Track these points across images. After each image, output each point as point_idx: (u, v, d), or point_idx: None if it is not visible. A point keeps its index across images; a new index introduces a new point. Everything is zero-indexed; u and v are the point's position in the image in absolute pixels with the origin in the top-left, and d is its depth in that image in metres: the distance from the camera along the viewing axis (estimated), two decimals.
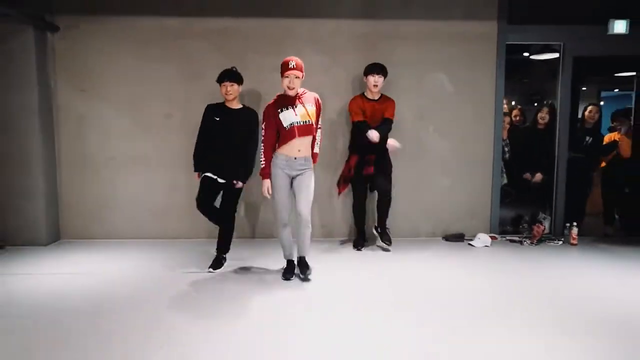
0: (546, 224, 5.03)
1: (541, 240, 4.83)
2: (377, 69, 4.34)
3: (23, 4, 4.27)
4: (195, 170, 3.91)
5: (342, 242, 4.81)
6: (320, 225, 4.93)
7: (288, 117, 3.43)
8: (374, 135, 4.16)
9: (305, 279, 3.61)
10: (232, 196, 3.88)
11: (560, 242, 4.81)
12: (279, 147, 3.50)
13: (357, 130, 4.35)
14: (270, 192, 3.52)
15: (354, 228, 4.74)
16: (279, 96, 3.52)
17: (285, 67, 3.42)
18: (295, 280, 3.65)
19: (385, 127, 4.32)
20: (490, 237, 4.83)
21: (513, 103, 6.46)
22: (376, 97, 4.41)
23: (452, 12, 4.82)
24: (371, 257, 4.32)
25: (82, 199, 4.85)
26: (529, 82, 7.11)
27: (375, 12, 4.78)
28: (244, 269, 3.92)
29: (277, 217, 3.58)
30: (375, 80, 4.32)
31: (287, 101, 3.47)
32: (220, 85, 3.83)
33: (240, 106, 3.94)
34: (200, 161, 3.87)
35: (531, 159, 5.20)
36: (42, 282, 3.58)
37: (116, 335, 2.69)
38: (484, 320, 2.92)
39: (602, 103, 9.02)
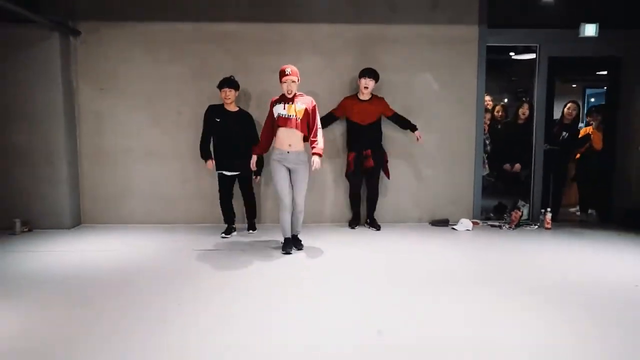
0: (525, 210, 5.48)
1: (519, 225, 5.29)
2: (368, 72, 4.89)
3: (49, 11, 4.77)
4: (203, 158, 4.77)
5: (337, 225, 5.29)
6: (319, 211, 5.40)
7: (278, 109, 4.09)
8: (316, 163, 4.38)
9: (299, 248, 4.31)
10: (245, 182, 4.84)
11: (536, 227, 5.27)
12: (275, 140, 4.16)
13: (325, 119, 4.94)
14: (254, 166, 4.33)
15: (350, 210, 5.33)
16: (282, 95, 4.14)
17: (282, 74, 4.04)
18: (294, 254, 4.16)
19: (405, 120, 5.09)
20: (473, 222, 5.29)
21: (489, 99, 6.91)
22: (367, 98, 4.94)
23: (436, 17, 5.28)
24: (363, 237, 4.80)
25: (101, 187, 5.33)
26: (512, 80, 7.59)
27: (366, 17, 5.25)
28: (249, 245, 4.41)
29: (279, 203, 4.17)
30: (365, 82, 4.86)
31: (285, 99, 4.11)
32: (220, 91, 4.63)
33: (237, 109, 4.75)
34: (206, 152, 4.73)
35: (511, 151, 5.65)
36: (71, 258, 4.06)
37: (137, 304, 3.17)
38: (463, 288, 3.35)
39: (592, 100, 9.49)
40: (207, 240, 4.64)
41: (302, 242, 4.37)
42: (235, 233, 4.87)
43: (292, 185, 4.13)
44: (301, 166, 4.09)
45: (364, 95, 4.93)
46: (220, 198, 4.81)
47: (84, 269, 3.73)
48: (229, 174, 4.69)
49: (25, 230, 4.93)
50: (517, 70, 7.08)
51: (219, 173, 4.73)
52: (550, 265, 3.88)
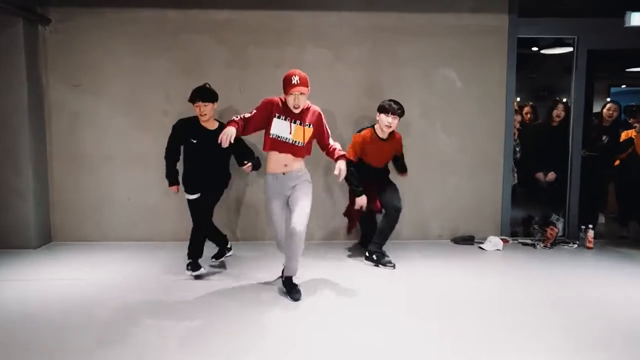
0: (559, 225, 4.81)
1: (555, 243, 4.62)
2: (395, 110, 3.82)
3: None
4: (167, 178, 3.76)
5: (349, 249, 4.60)
6: (322, 227, 4.72)
7: (281, 128, 3.08)
8: (361, 201, 3.88)
9: (295, 298, 3.13)
10: (208, 203, 3.70)
11: (575, 246, 4.59)
12: (267, 163, 3.20)
13: (350, 166, 3.74)
14: (229, 138, 2.88)
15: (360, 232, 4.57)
16: (284, 105, 3.11)
17: (288, 84, 3.01)
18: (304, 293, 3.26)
19: (403, 164, 4.32)
20: (502, 239, 4.61)
21: (518, 100, 6.25)
22: (386, 137, 3.96)
23: (460, 4, 4.62)
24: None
25: (76, 199, 4.65)
26: (537, 78, 6.92)
27: (380, 4, 4.58)
28: (240, 276, 3.72)
29: (274, 234, 3.36)
30: (389, 121, 3.83)
31: (289, 114, 3.10)
32: (193, 105, 3.58)
33: (217, 124, 3.67)
34: (173, 172, 3.74)
35: (544, 158, 4.98)
36: (30, 291, 3.35)
37: (105, 350, 2.48)
38: (495, 330, 2.71)
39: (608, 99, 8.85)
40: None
41: (299, 292, 3.17)
42: (231, 253, 4.12)
43: (290, 208, 3.16)
44: (302, 182, 3.18)
45: (384, 133, 3.93)
46: (203, 229, 3.73)
47: (43, 309, 3.04)
48: (191, 197, 3.71)
49: None
50: (542, 65, 6.41)
51: (190, 200, 3.74)
52: (608, 303, 3.19)
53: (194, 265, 3.60)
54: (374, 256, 3.93)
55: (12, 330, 2.68)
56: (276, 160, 3.13)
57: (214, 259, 3.95)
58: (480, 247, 4.55)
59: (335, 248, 4.49)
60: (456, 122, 4.73)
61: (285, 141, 3.07)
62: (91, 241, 4.63)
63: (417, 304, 3.12)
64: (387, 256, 3.91)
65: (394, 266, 3.84)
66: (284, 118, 3.08)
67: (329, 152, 3.24)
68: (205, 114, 3.56)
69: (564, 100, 4.97)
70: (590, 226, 4.54)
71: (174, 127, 3.69)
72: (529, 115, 5.33)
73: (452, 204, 4.81)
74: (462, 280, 3.62)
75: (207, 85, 3.65)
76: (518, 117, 5.05)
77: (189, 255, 3.64)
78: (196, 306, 3.05)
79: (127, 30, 4.53)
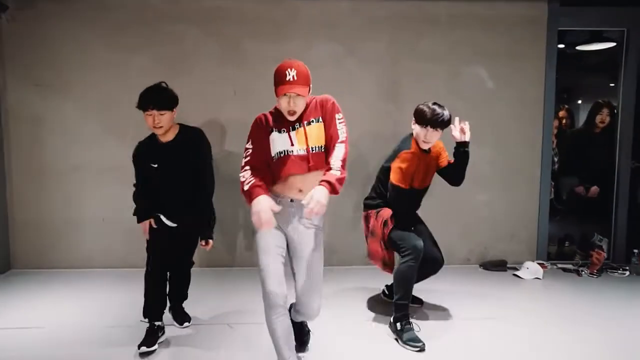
0: (604, 247, 4.17)
1: (602, 269, 3.97)
2: (434, 121, 2.69)
3: None
4: (136, 214, 2.74)
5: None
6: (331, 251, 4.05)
7: (278, 142, 2.15)
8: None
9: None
10: (186, 243, 2.83)
11: (627, 273, 3.94)
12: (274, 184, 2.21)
13: (397, 198, 2.82)
14: (272, 212, 1.99)
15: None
16: (276, 110, 2.20)
17: (281, 80, 2.08)
18: None
19: (461, 169, 2.96)
20: (539, 264, 3.96)
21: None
22: (427, 148, 2.85)
23: None
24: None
25: (40, 219, 3.96)
26: (573, 78, 6.23)
27: None
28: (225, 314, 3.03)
29: (264, 298, 2.10)
30: (426, 137, 2.74)
31: (284, 122, 2.16)
32: (144, 114, 2.58)
33: (174, 135, 2.66)
34: (144, 208, 2.73)
35: (585, 169, 4.33)
36: None
37: None
38: None
39: None
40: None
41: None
42: (162, 336, 2.70)
43: (292, 269, 2.24)
44: (312, 230, 2.20)
45: (426, 144, 2.81)
46: (149, 271, 2.68)
47: None
48: (169, 223, 2.68)
49: None
50: (579, 64, 5.72)
51: (153, 223, 2.69)
52: None
53: (150, 339, 2.56)
54: (398, 325, 2.72)
55: None
56: (287, 183, 2.17)
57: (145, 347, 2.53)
58: (516, 275, 3.90)
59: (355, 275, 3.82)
60: (486, 128, 4.06)
61: (289, 154, 2.12)
62: (58, 268, 3.94)
63: (442, 345, 2.47)
64: (413, 327, 2.72)
65: (421, 348, 2.59)
66: (280, 131, 2.15)
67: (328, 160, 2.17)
68: (162, 127, 2.57)
69: (607, 102, 4.29)
70: None
71: (134, 156, 2.74)
72: (565, 121, 4.68)
73: (482, 223, 4.16)
74: (498, 320, 2.98)
75: (163, 85, 2.66)
76: (555, 123, 4.40)
77: (151, 315, 2.65)
78: None
79: (100, 19, 3.84)
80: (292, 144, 2.13)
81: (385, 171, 2.84)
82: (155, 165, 2.65)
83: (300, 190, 2.13)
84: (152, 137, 2.71)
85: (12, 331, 2.81)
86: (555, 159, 4.34)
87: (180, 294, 2.94)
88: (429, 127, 2.72)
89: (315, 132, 2.14)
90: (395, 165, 2.75)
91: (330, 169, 2.05)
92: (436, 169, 2.96)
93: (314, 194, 1.92)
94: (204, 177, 2.71)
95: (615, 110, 4.24)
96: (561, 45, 5.52)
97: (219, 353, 2.56)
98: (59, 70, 3.86)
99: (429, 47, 3.99)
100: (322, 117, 2.16)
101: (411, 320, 2.74)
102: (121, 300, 3.28)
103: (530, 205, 4.18)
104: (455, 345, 2.66)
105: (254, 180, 2.06)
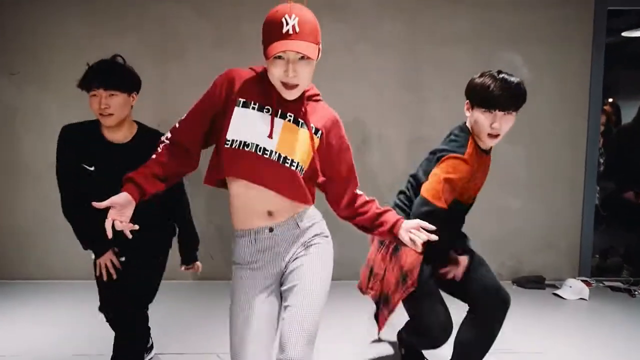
0: None
1: None
2: (506, 100, 1.80)
3: None
4: (99, 252, 2.00)
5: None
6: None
7: (249, 126, 1.39)
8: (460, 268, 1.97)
9: None
10: (138, 269, 2.01)
11: None
12: (231, 209, 1.48)
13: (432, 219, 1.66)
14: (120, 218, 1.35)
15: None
16: (258, 75, 1.47)
17: (274, 34, 1.35)
18: None
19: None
20: (583, 281, 3.41)
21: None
22: (488, 147, 1.97)
23: None
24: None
25: (15, 221, 3.58)
26: (615, 70, 5.66)
27: None
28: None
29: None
30: (496, 127, 1.82)
31: (273, 99, 1.42)
32: (89, 96, 1.89)
33: (133, 134, 1.99)
34: (95, 233, 1.79)
35: (635, 171, 3.77)
36: None
37: None
38: None
39: None
40: (169, 318, 2.78)
41: None
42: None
43: (282, 300, 1.50)
44: (313, 247, 1.49)
45: (494, 139, 1.88)
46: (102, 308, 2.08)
47: None
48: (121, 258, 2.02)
49: None
50: (627, 53, 5.13)
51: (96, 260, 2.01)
52: None
53: None
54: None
55: None
56: (246, 204, 1.43)
57: None
58: (556, 294, 3.36)
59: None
60: (522, 125, 3.48)
61: (258, 155, 1.36)
62: (36, 279, 3.55)
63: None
64: None
65: None
66: (256, 107, 1.40)
67: (356, 206, 1.55)
68: (111, 114, 1.86)
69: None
70: None
71: (62, 142, 1.95)
72: (612, 117, 4.12)
73: (516, 234, 3.64)
74: (534, 349, 2.45)
75: (119, 59, 1.98)
76: (602, 119, 3.85)
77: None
78: None
79: (85, 2, 3.46)
80: (270, 136, 1.38)
81: (417, 181, 1.96)
82: (92, 169, 1.92)
83: (270, 213, 1.42)
84: (93, 130, 1.95)
85: None
86: (601, 160, 3.80)
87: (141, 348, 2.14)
88: (497, 111, 1.81)
89: (304, 147, 1.42)
90: (439, 174, 1.81)
91: (374, 201, 1.56)
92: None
93: (413, 229, 1.46)
94: (179, 196, 2.09)
95: None
96: None
97: None
98: (36, 57, 3.48)
99: (449, 28, 3.52)
100: (322, 131, 1.46)
101: None
102: (97, 320, 2.84)
103: (572, 212, 3.65)
104: None
105: (145, 165, 1.41)
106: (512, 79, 1.81)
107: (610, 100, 4.36)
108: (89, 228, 1.97)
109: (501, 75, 1.82)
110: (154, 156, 1.43)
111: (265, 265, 1.46)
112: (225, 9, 3.50)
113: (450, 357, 2.02)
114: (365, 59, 3.52)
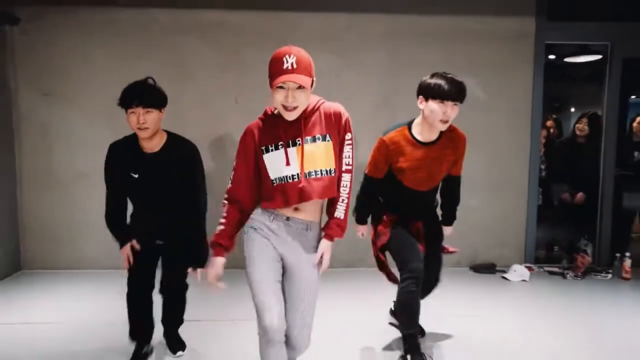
0: (588, 251, 4.35)
1: (586, 272, 4.15)
2: (452, 92, 2.22)
3: None
4: (116, 237, 2.40)
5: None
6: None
7: (276, 164, 1.78)
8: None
9: None
10: (174, 263, 2.47)
11: (609, 276, 4.12)
12: (262, 202, 1.86)
13: (366, 188, 2.56)
14: (219, 279, 1.83)
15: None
16: (266, 117, 1.85)
17: (277, 70, 1.72)
18: None
19: (453, 198, 2.72)
20: (527, 267, 4.14)
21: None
22: (434, 137, 2.40)
23: (482, 7, 4.15)
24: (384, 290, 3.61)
25: (48, 222, 4.13)
26: (553, 89, 6.44)
27: (394, 6, 4.10)
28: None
29: (259, 324, 1.79)
30: (446, 113, 2.24)
31: (278, 131, 1.80)
32: (126, 113, 2.28)
33: (162, 144, 2.35)
34: (122, 227, 2.40)
35: (570, 177, 4.52)
36: None
37: None
38: None
39: None
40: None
41: None
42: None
43: (284, 292, 1.86)
44: (311, 253, 1.87)
45: (433, 133, 2.37)
46: (131, 291, 2.45)
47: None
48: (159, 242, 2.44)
49: None
50: (566, 76, 5.92)
51: (135, 244, 2.38)
52: None
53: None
54: (409, 358, 2.43)
55: None
56: (283, 197, 1.81)
57: None
58: (504, 277, 4.08)
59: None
60: (478, 137, 4.20)
61: (292, 182, 1.76)
62: (66, 269, 4.10)
63: (432, 344, 2.64)
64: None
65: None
66: (273, 148, 1.79)
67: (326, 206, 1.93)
68: (147, 128, 2.23)
69: (589, 112, 4.48)
70: (627, 254, 4.07)
71: (109, 159, 2.37)
72: (552, 130, 4.87)
73: (472, 228, 4.30)
74: (484, 317, 3.17)
75: (150, 81, 2.34)
76: (543, 132, 4.59)
77: (135, 337, 2.48)
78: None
79: (105, 30, 4.00)
80: (289, 165, 1.76)
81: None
82: (136, 176, 2.30)
83: (297, 209, 1.82)
84: (133, 143, 2.34)
85: (21, 326, 2.99)
86: (542, 167, 4.52)
87: (173, 319, 2.64)
88: (445, 101, 2.22)
89: (319, 152, 1.78)
90: (371, 153, 2.47)
91: (334, 210, 1.86)
92: (445, 175, 2.51)
93: (324, 256, 1.84)
94: (198, 197, 2.41)
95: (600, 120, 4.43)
96: (552, 56, 5.74)
97: (223, 349, 2.72)
98: (65, 79, 4.02)
99: (422, 59, 4.12)
100: (331, 135, 1.81)
101: (423, 352, 2.45)
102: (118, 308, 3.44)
103: (519, 211, 4.35)
104: (443, 338, 2.85)
105: (222, 229, 1.83)
106: (457, 78, 2.27)
107: (555, 116, 5.11)
108: (120, 224, 2.40)
109: (449, 75, 2.27)
110: (223, 219, 1.83)
111: (276, 241, 1.83)
112: (228, 40, 4.06)
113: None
114: (351, 84, 4.11)
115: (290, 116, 1.75)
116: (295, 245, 1.85)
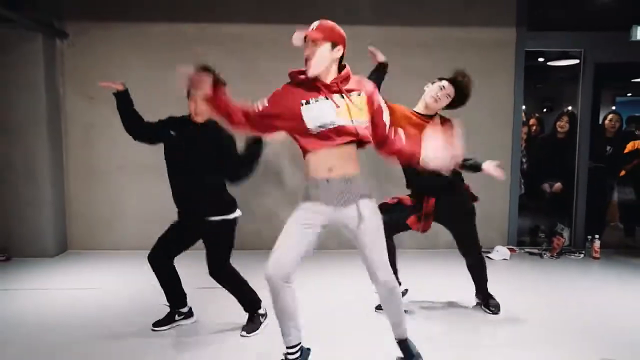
0: (565, 235, 4.89)
1: (561, 252, 4.69)
2: (458, 81, 2.73)
3: (32, 10, 4.18)
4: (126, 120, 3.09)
5: None
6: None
7: (321, 113, 2.02)
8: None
9: None
10: (216, 241, 2.79)
11: (582, 256, 4.66)
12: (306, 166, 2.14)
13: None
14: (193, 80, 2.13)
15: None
16: (299, 79, 2.12)
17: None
18: None
19: None
20: (509, 249, 4.69)
21: (524, 110, 6.33)
22: (431, 113, 2.83)
23: (468, 18, 4.71)
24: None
25: (91, 208, 4.75)
26: (543, 89, 6.99)
27: (389, 18, 4.67)
28: None
29: (270, 262, 2.06)
30: (438, 92, 2.73)
31: (317, 88, 2.07)
32: (188, 100, 2.78)
33: (206, 119, 2.77)
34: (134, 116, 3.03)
35: (549, 169, 5.05)
36: (48, 299, 3.47)
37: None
38: (503, 338, 2.79)
39: (613, 108, 8.91)
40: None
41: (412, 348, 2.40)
42: (185, 321, 3.00)
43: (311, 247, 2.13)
44: (361, 202, 2.11)
45: (429, 109, 2.82)
46: (150, 252, 2.90)
47: (61, 317, 3.14)
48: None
49: (2, 259, 4.33)
50: (548, 77, 6.49)
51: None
52: (613, 313, 3.26)
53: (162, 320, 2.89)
54: (480, 296, 3.23)
55: (29, 342, 2.76)
56: (316, 159, 2.07)
57: (154, 327, 2.89)
58: (488, 257, 4.61)
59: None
60: (465, 134, 4.79)
61: (341, 126, 2.02)
62: (105, 249, 4.72)
63: (419, 314, 3.20)
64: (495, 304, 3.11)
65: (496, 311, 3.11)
66: (315, 100, 2.05)
67: (389, 144, 2.18)
68: (203, 112, 2.71)
69: (568, 110, 5.03)
70: (597, 236, 4.61)
71: (161, 121, 2.95)
72: (534, 128, 5.41)
73: None
74: (468, 291, 3.69)
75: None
76: (525, 129, 5.13)
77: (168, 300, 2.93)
78: (213, 321, 3.11)
79: (139, 42, 4.62)
80: (336, 112, 2.02)
81: None
82: (174, 133, 2.73)
83: (330, 169, 2.04)
84: (184, 117, 2.82)
85: (72, 291, 3.62)
86: (524, 160, 5.06)
87: (241, 303, 2.90)
88: (444, 82, 2.71)
89: (361, 103, 2.07)
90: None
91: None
92: None
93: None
94: (236, 160, 2.72)
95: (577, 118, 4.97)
96: (541, 59, 6.29)
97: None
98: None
99: (413, 65, 4.63)
100: (370, 98, 2.11)
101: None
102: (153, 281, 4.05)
103: (503, 199, 4.89)
104: (427, 308, 3.41)
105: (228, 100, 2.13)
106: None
107: (537, 115, 5.64)
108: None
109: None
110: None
111: (320, 214, 2.10)
112: (247, 50, 4.67)
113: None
114: None
115: (309, 70, 2.07)
116: (339, 205, 2.09)
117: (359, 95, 2.10)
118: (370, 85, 2.18)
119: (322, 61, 2.06)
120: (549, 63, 5.65)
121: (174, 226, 2.87)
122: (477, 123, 4.79)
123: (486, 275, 3.26)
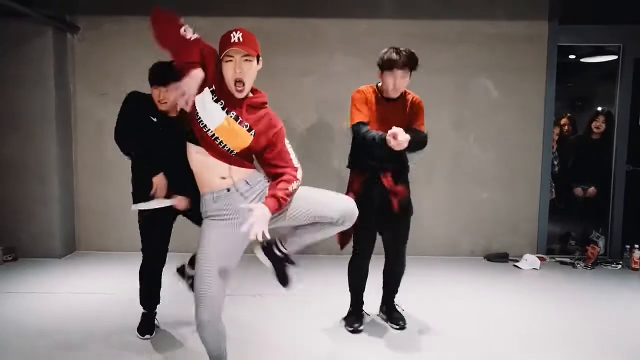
0: (600, 244, 4.55)
1: (596, 263, 4.34)
2: (397, 61, 2.53)
3: (42, 3, 4.08)
4: (124, 149, 2.85)
5: None
6: None
7: (208, 112, 1.92)
8: (400, 137, 2.36)
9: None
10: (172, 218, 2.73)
11: (619, 267, 4.31)
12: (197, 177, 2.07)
13: (357, 139, 2.69)
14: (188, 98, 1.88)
15: (350, 297, 2.99)
16: (223, 82, 1.95)
17: (225, 44, 1.94)
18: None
19: (417, 136, 2.59)
20: (539, 258, 4.37)
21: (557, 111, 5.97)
22: (394, 96, 2.71)
23: (497, 11, 4.42)
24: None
25: (101, 208, 4.61)
26: (575, 87, 6.60)
27: (411, 12, 4.43)
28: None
29: (197, 296, 1.97)
30: (395, 83, 2.59)
31: (227, 96, 1.95)
32: (151, 88, 2.63)
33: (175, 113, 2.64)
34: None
35: (583, 172, 4.71)
36: (52, 304, 3.32)
37: None
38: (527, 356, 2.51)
39: None
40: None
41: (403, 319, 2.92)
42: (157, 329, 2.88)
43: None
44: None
45: (392, 93, 2.69)
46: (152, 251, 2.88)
47: (63, 324, 2.98)
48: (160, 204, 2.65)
49: (9, 259, 4.21)
50: (580, 74, 6.11)
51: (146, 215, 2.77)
52: None
53: (145, 326, 2.77)
54: (384, 308, 3.09)
55: (28, 349, 2.61)
56: (209, 169, 1.95)
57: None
58: (516, 266, 4.32)
59: None
60: (492, 134, 4.53)
61: (210, 137, 1.89)
62: (114, 251, 4.58)
63: (444, 327, 2.93)
64: (402, 318, 2.98)
65: (403, 326, 2.92)
66: (215, 99, 1.91)
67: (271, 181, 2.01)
68: (166, 102, 2.54)
69: (605, 110, 4.67)
70: (637, 246, 4.25)
71: (128, 102, 2.71)
72: (567, 128, 5.07)
73: (486, 219, 4.59)
74: (495, 302, 3.42)
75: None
76: (556, 130, 4.81)
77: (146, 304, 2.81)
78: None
79: (151, 38, 4.47)
80: (214, 126, 1.89)
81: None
82: (155, 120, 2.50)
83: (223, 178, 1.93)
84: (149, 100, 2.61)
85: (81, 296, 3.47)
86: (555, 162, 4.74)
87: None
88: (394, 69, 2.55)
89: (243, 140, 1.92)
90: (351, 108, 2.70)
91: (281, 181, 1.92)
92: (409, 126, 2.61)
93: (256, 213, 1.77)
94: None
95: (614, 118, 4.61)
96: (572, 57, 5.93)
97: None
98: (119, 81, 4.47)
99: (438, 61, 4.41)
100: (258, 133, 1.95)
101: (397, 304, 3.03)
102: (168, 281, 3.88)
103: (532, 204, 4.59)
104: (456, 317, 3.14)
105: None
106: (397, 53, 2.56)
107: (569, 114, 5.29)
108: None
109: (400, 48, 2.59)
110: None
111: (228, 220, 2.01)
112: (261, 45, 4.51)
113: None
114: (369, 83, 4.50)
115: (240, 94, 1.95)
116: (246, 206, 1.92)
117: (250, 130, 1.98)
118: (272, 128, 2.09)
119: (252, 80, 1.98)
120: (582, 60, 5.30)
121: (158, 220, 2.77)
122: (505, 123, 4.52)
123: (399, 282, 2.99)
